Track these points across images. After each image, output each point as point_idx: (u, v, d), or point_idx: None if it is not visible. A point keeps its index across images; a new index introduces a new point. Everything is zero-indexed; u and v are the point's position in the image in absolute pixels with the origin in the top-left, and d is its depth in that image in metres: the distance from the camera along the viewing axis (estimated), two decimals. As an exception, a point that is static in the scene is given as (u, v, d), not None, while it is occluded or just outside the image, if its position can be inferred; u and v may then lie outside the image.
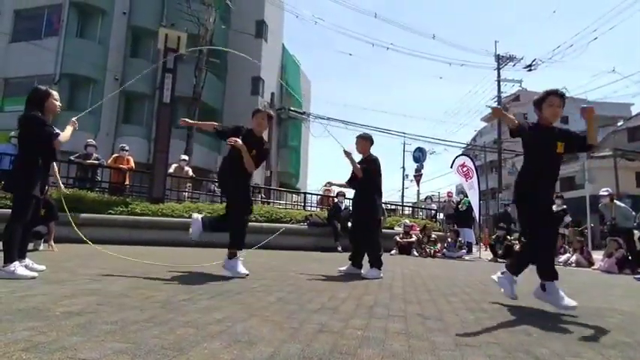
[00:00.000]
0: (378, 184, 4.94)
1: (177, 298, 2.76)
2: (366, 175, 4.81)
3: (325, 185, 5.39)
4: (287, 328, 2.10)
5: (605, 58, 51.52)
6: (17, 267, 3.37)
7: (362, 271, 4.78)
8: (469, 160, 13.02)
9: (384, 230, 10.68)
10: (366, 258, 4.89)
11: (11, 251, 3.40)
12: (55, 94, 3.76)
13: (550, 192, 3.34)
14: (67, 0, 20.00)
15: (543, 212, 3.19)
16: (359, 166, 4.84)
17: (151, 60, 20.80)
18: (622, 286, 5.63)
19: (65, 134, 3.62)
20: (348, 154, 4.90)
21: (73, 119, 3.84)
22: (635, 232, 8.65)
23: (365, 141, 4.95)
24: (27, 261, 3.76)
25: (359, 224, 5.01)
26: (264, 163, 22.17)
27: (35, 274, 3.43)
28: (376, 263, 4.72)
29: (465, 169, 12.49)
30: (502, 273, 3.33)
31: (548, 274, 3.04)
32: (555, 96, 3.24)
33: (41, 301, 2.42)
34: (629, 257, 8.19)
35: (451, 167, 13.04)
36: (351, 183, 5.07)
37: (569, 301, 2.96)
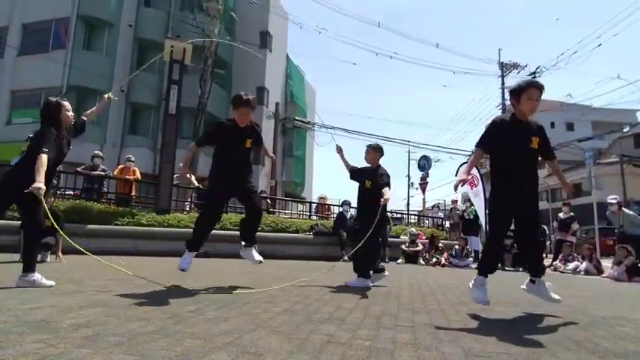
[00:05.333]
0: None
1: (184, 309, 2.76)
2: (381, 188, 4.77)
3: (337, 149, 5.28)
4: (294, 339, 2.09)
5: (610, 65, 51.61)
6: (37, 276, 3.52)
7: (346, 280, 4.75)
8: (474, 167, 12.96)
9: (390, 239, 10.70)
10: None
11: (33, 259, 3.60)
12: (67, 104, 3.77)
13: (528, 191, 3.15)
14: (75, 13, 20.31)
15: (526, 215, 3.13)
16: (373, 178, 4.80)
17: (156, 71, 21.02)
18: (632, 294, 5.56)
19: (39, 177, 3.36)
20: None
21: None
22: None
23: (375, 151, 4.90)
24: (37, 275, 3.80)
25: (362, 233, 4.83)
26: (269, 170, 22.25)
27: (53, 282, 3.58)
28: (364, 272, 4.69)
29: (469, 176, 12.43)
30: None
31: (537, 271, 3.23)
32: (535, 88, 3.09)
33: (49, 313, 2.43)
34: (639, 264, 8.10)
35: (455, 175, 13.02)
36: (351, 174, 5.08)
37: (554, 295, 3.18)
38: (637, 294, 5.63)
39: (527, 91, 3.08)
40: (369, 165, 4.92)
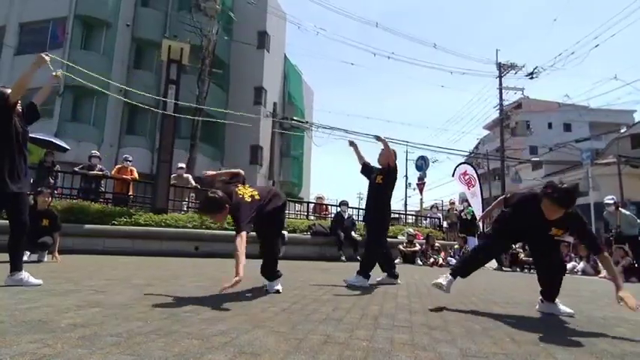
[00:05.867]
0: (390, 193, 5.10)
1: (181, 309, 2.75)
2: (389, 182, 4.99)
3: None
4: (292, 339, 2.09)
5: (607, 65, 51.59)
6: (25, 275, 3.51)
7: (346, 278, 4.85)
8: (471, 168, 13.01)
9: (387, 239, 10.70)
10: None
11: (19, 258, 3.58)
12: (7, 91, 3.66)
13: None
14: (72, 13, 20.24)
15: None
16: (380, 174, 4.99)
17: (154, 71, 20.97)
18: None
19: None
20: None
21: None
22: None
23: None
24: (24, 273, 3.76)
25: (369, 228, 5.18)
26: (266, 172, 22.20)
27: (40, 281, 3.56)
28: (364, 271, 4.78)
29: (466, 177, 12.49)
30: None
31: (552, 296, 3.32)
32: (558, 206, 2.95)
33: (46, 313, 2.42)
34: (636, 265, 8.12)
35: (453, 176, 13.05)
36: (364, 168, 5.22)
37: (567, 309, 3.26)
38: (634, 295, 5.64)
39: (554, 205, 2.96)
40: (380, 166, 5.07)
